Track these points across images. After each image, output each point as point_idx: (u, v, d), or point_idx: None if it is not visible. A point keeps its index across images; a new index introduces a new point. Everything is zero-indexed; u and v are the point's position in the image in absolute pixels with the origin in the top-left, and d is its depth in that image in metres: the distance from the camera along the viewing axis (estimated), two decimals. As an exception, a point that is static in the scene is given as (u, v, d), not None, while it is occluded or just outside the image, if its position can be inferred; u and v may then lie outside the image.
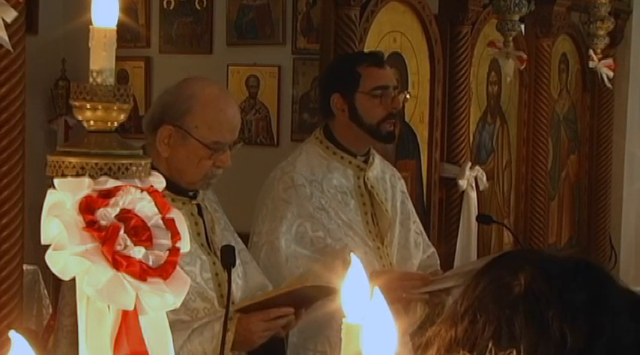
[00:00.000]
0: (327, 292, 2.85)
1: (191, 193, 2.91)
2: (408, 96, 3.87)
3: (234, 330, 2.79)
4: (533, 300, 1.41)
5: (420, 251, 3.71)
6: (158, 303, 1.34)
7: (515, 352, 1.38)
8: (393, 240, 3.59)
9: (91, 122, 1.36)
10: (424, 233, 3.80)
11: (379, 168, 3.63)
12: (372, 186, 3.55)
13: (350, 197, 3.51)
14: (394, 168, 3.79)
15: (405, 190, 3.76)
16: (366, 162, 3.55)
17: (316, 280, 2.95)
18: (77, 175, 1.33)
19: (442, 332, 1.46)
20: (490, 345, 1.39)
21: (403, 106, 4.75)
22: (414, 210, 3.78)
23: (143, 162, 1.38)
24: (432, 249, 3.80)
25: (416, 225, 3.73)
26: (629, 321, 1.43)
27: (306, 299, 2.94)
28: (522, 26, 5.26)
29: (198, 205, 2.93)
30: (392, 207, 3.63)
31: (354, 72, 3.46)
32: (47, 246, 1.32)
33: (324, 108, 3.53)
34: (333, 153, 3.50)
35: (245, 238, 3.27)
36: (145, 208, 1.35)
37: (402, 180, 3.78)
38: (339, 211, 3.46)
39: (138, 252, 1.32)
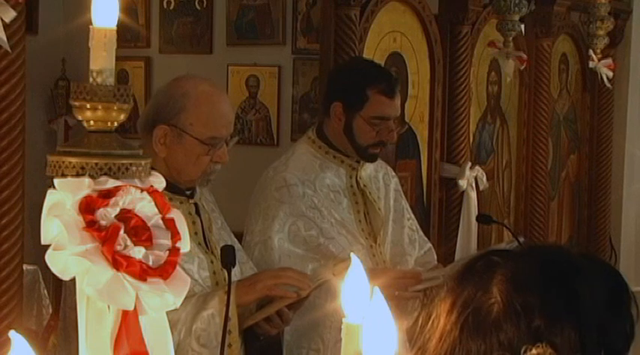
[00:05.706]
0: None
1: (188, 192, 2.92)
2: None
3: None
4: (515, 315, 1.40)
5: (416, 248, 3.71)
6: (158, 303, 1.34)
7: None
8: (386, 238, 3.61)
9: (91, 122, 1.36)
10: (420, 230, 3.80)
11: (372, 166, 3.63)
12: (364, 185, 3.56)
13: (342, 196, 3.51)
14: (388, 166, 3.79)
15: (400, 188, 3.77)
16: (358, 161, 3.55)
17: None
18: (77, 175, 1.33)
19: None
20: None
21: (403, 108, 4.75)
22: (408, 207, 3.79)
23: (143, 162, 1.38)
24: (429, 245, 3.81)
25: (411, 222, 3.74)
26: (613, 316, 1.43)
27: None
28: (522, 26, 5.26)
29: (196, 204, 2.94)
30: (385, 205, 3.64)
31: (362, 93, 3.43)
32: (47, 246, 1.32)
33: (325, 107, 3.54)
34: (326, 153, 3.51)
35: (241, 237, 3.28)
36: (145, 208, 1.35)
37: (396, 178, 3.79)
38: (332, 210, 3.46)
39: (138, 252, 1.32)
